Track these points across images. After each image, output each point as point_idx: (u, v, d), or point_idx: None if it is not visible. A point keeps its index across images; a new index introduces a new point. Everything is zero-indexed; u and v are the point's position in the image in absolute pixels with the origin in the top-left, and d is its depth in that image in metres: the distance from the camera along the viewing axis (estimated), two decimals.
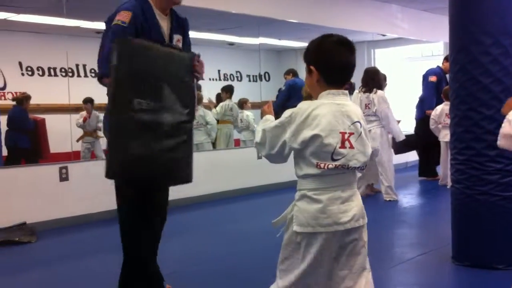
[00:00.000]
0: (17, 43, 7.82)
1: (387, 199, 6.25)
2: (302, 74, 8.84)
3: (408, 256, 3.97)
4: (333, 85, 2.11)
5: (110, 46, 2.76)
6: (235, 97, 8.74)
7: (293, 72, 8.46)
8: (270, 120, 2.21)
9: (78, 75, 8.76)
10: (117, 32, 2.81)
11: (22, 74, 8.15)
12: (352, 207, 2.12)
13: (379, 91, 6.23)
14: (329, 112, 2.05)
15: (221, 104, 8.41)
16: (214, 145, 7.79)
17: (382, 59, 11.00)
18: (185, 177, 2.84)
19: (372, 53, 10.83)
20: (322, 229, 2.06)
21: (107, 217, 5.29)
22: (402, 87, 10.07)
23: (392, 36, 10.07)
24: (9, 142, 6.86)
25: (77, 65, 8.68)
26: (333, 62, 2.11)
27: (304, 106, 2.08)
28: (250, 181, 7.10)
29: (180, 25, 3.13)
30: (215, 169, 6.72)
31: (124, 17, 2.84)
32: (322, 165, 2.04)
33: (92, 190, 5.32)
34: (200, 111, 7.31)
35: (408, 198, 6.82)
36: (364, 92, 6.31)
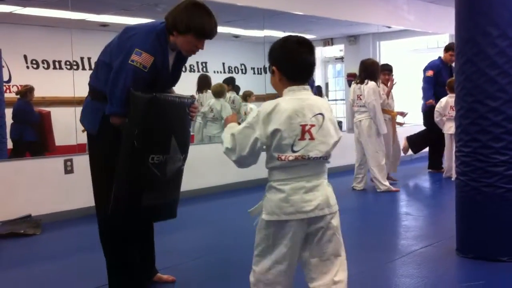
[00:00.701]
0: (22, 36, 7.82)
1: (378, 190, 6.28)
2: None
3: (412, 248, 3.97)
4: (295, 83, 2.24)
5: (127, 87, 2.78)
6: (239, 90, 8.73)
7: None
8: (234, 127, 2.29)
9: (83, 68, 8.75)
10: (136, 75, 2.79)
11: (27, 67, 8.16)
12: (316, 197, 2.21)
13: (371, 83, 6.23)
14: (290, 107, 2.17)
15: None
16: None
17: (388, 51, 10.96)
18: (174, 214, 3.13)
19: (378, 45, 10.79)
20: (286, 217, 2.18)
21: None
22: (408, 79, 10.03)
23: (398, 28, 10.02)
24: (14, 135, 6.88)
25: (82, 58, 8.67)
26: (294, 61, 2.25)
27: (267, 104, 2.20)
28: (258, 173, 7.08)
29: (182, 55, 3.12)
30: (223, 161, 6.69)
31: (146, 61, 2.81)
32: (283, 157, 2.16)
33: None
34: (218, 105, 7.27)
35: (413, 190, 6.81)
36: (357, 83, 6.37)
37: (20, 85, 7.84)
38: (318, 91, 11.48)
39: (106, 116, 2.89)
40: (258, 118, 2.19)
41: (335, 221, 2.30)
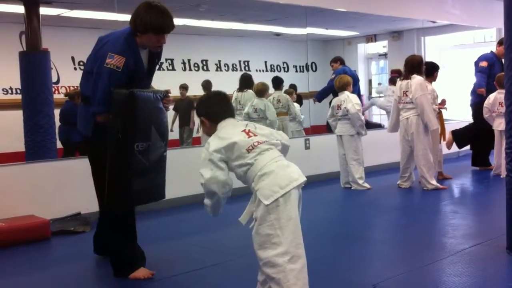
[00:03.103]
0: (70, 38, 8.02)
1: (425, 189, 6.17)
2: (349, 63, 8.79)
3: (461, 247, 3.89)
4: (222, 120, 2.77)
5: (105, 88, 3.23)
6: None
7: (340, 60, 8.34)
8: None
9: None
10: (112, 76, 3.24)
11: (75, 69, 8.37)
12: (294, 169, 2.66)
13: (418, 77, 6.11)
14: (227, 126, 2.73)
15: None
16: None
17: (432, 47, 10.77)
18: (163, 195, 3.53)
19: (422, 40, 10.61)
20: (283, 191, 2.53)
21: (157, 207, 5.40)
22: (453, 75, 9.84)
23: (443, 23, 9.83)
24: (62, 137, 7.03)
25: None
26: (215, 111, 2.81)
27: (212, 139, 2.71)
28: None
29: (158, 55, 3.59)
30: None
31: (118, 62, 3.24)
32: (250, 148, 2.61)
33: None
34: (261, 105, 7.28)
35: (461, 188, 6.68)
36: (402, 79, 6.29)
37: (68, 86, 8.04)
38: (392, 81, 11.35)
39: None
40: (208, 151, 2.64)
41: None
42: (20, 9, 6.01)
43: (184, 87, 8.99)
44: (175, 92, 9.04)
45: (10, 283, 3.62)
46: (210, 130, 2.82)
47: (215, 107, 2.84)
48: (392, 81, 11.32)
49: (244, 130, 2.69)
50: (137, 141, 3.23)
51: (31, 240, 4.47)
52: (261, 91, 7.39)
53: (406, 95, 6.16)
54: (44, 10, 6.23)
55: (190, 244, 4.26)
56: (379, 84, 12.18)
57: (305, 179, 2.65)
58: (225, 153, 2.62)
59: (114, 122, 3.23)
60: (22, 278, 3.69)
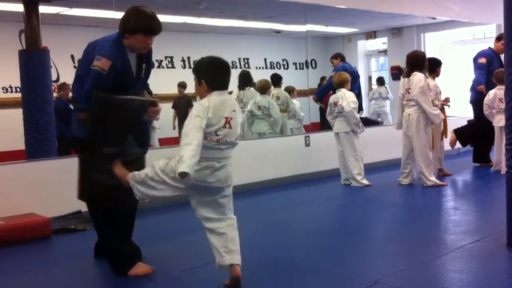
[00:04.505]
0: (69, 36, 8.00)
1: (424, 185, 6.17)
2: (348, 60, 8.77)
3: (462, 243, 3.89)
4: (218, 90, 3.04)
5: (89, 89, 3.35)
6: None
7: (341, 57, 8.31)
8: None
9: None
10: (98, 79, 3.36)
11: (75, 67, 8.35)
12: (219, 174, 3.02)
13: (419, 75, 6.10)
14: (217, 102, 2.98)
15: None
16: None
17: (432, 43, 10.75)
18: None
19: (422, 37, 10.59)
20: (193, 180, 2.91)
21: (155, 205, 5.41)
22: (453, 71, 9.83)
23: (443, 19, 9.81)
24: (57, 134, 6.99)
25: None
26: (217, 78, 3.07)
27: (201, 101, 3.01)
28: (298, 169, 7.10)
29: (145, 54, 3.62)
30: (262, 157, 6.75)
31: (105, 65, 3.35)
32: (209, 138, 2.93)
33: None
34: (265, 102, 7.27)
35: (461, 185, 6.68)
36: (404, 77, 6.28)
37: (68, 85, 8.03)
38: (379, 82, 11.38)
39: None
40: (198, 112, 2.92)
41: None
42: (19, 7, 6.00)
43: (182, 85, 8.98)
44: (174, 90, 9.05)
45: (11, 282, 3.62)
46: (203, 93, 3.07)
47: (217, 76, 3.08)
48: (379, 82, 11.39)
49: (226, 118, 2.99)
50: (107, 145, 3.34)
51: (32, 238, 4.47)
52: (264, 88, 7.38)
53: (409, 92, 6.16)
54: (43, 9, 6.22)
55: (191, 241, 4.25)
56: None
57: (224, 185, 3.06)
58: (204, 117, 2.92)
59: (89, 122, 3.41)
60: (23, 277, 3.70)
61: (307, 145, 7.30)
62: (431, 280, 3.23)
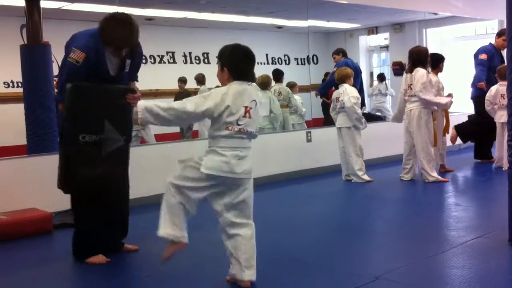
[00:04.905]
0: (71, 31, 7.95)
1: (426, 181, 6.16)
2: (350, 55, 8.75)
3: (463, 239, 3.89)
4: (238, 80, 3.00)
5: (64, 80, 3.50)
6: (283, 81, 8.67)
7: (343, 52, 8.30)
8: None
9: None
10: (71, 70, 3.49)
11: None
12: (244, 164, 2.99)
13: (421, 71, 6.10)
14: (237, 91, 2.95)
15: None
16: None
17: (434, 39, 10.72)
18: (121, 187, 3.73)
19: (424, 33, 10.57)
20: (222, 173, 2.93)
21: (155, 201, 5.40)
22: (455, 67, 9.81)
23: (445, 15, 9.79)
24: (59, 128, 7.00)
25: None
26: (239, 66, 3.03)
27: (221, 88, 2.97)
28: (299, 165, 7.10)
29: (130, 50, 3.70)
30: (264, 153, 6.74)
31: (78, 57, 3.48)
32: (230, 128, 2.92)
33: (141, 174, 5.43)
34: (266, 98, 7.27)
35: (463, 181, 6.68)
36: (407, 72, 6.28)
37: None
38: (380, 78, 11.35)
39: None
40: (210, 94, 2.93)
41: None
42: (21, 2, 5.99)
43: (182, 80, 8.97)
44: (176, 85, 9.04)
45: (12, 277, 3.62)
46: (224, 80, 3.04)
47: (239, 64, 3.04)
48: (380, 78, 11.38)
49: (246, 107, 2.96)
50: (82, 132, 3.46)
51: (33, 233, 4.48)
52: (266, 84, 7.36)
53: (411, 88, 6.15)
54: (44, 3, 6.21)
55: (192, 238, 4.23)
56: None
57: (248, 176, 3.05)
58: (213, 110, 2.91)
59: (64, 112, 3.53)
60: (24, 272, 3.70)
61: (309, 140, 7.30)
62: (432, 276, 3.23)
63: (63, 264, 3.80)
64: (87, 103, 3.48)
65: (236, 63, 3.03)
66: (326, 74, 10.06)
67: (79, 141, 3.46)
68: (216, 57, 3.10)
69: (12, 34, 7.31)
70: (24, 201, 4.84)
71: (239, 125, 2.94)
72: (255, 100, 3.03)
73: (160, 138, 7.64)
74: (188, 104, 2.91)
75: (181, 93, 8.94)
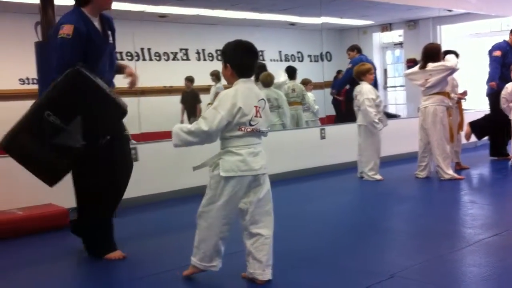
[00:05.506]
0: None
1: (442, 179, 6.11)
2: (364, 52, 8.72)
3: (479, 237, 3.86)
4: (243, 77, 3.01)
5: (58, 57, 3.40)
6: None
7: (357, 49, 8.25)
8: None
9: (144, 59, 8.94)
10: (63, 45, 3.38)
11: None
12: (260, 160, 3.02)
13: (433, 64, 6.07)
14: (244, 92, 2.96)
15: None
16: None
17: (448, 36, 10.66)
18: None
19: (438, 29, 10.50)
20: (241, 173, 2.95)
21: (176, 196, 5.43)
22: (470, 64, 9.73)
23: (459, 12, 9.72)
24: None
25: (142, 49, 8.85)
26: (242, 62, 3.03)
27: (229, 91, 2.98)
28: (313, 162, 7.09)
29: (108, 23, 3.68)
30: (278, 150, 6.73)
31: (67, 30, 3.38)
32: (243, 129, 2.93)
33: (161, 170, 5.46)
34: (274, 93, 7.27)
35: (479, 178, 6.63)
36: (420, 68, 6.24)
37: None
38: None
39: None
40: (220, 102, 2.92)
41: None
42: None
43: (189, 79, 8.96)
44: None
45: (30, 272, 3.65)
46: (228, 76, 3.07)
47: (242, 60, 3.04)
48: None
49: (256, 107, 2.98)
50: (52, 110, 3.32)
51: (50, 228, 4.51)
52: (270, 83, 7.32)
53: (427, 81, 6.13)
54: (58, 1, 6.25)
55: (178, 239, 4.18)
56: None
57: (265, 171, 3.06)
58: (228, 117, 2.91)
59: (50, 87, 3.42)
60: (41, 267, 3.73)
61: (323, 137, 7.28)
62: (448, 274, 3.21)
63: (78, 258, 3.82)
64: (78, 91, 3.36)
65: (239, 59, 3.04)
66: (338, 72, 10.03)
67: (44, 115, 3.33)
68: (220, 54, 3.11)
69: (27, 31, 7.36)
70: (40, 197, 4.86)
71: (251, 125, 2.96)
72: (263, 99, 3.05)
73: (167, 136, 7.68)
74: (203, 123, 2.92)
75: (188, 93, 8.94)
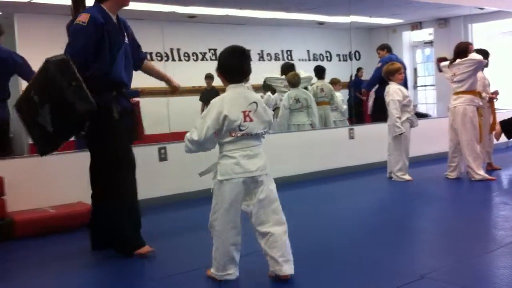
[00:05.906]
0: None
1: (472, 180, 6.03)
2: (394, 51, 8.64)
3: (511, 239, 3.79)
4: (234, 82, 3.08)
5: (71, 41, 3.55)
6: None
7: (387, 48, 8.17)
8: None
9: (173, 59, 9.01)
10: (77, 31, 3.50)
11: None
12: (257, 161, 3.05)
13: (461, 60, 6.03)
14: (232, 98, 3.03)
15: (311, 86, 8.30)
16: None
17: (480, 34, 10.49)
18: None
19: (469, 27, 10.34)
20: (235, 175, 3.01)
21: (202, 195, 5.44)
22: (502, 62, 9.58)
23: (491, 9, 9.56)
24: None
25: (171, 49, 8.92)
26: (230, 66, 3.10)
27: (215, 100, 3.06)
28: (342, 162, 7.06)
29: (124, 25, 3.80)
30: (306, 150, 6.73)
31: (83, 18, 3.50)
32: (233, 134, 3.00)
33: (188, 169, 5.49)
34: (303, 94, 7.26)
35: (510, 179, 6.51)
36: (449, 64, 6.19)
37: None
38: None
39: None
40: (208, 111, 3.02)
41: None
42: (67, 1, 6.13)
43: (209, 77, 8.88)
44: (218, 82, 9.06)
45: (61, 266, 3.71)
46: (223, 83, 3.14)
47: (229, 64, 3.09)
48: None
49: (244, 112, 3.01)
50: (34, 90, 3.44)
51: (79, 226, 4.57)
52: (297, 83, 7.28)
53: (455, 75, 6.09)
54: (90, 2, 6.34)
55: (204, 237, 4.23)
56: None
57: (264, 172, 3.06)
58: (215, 126, 2.99)
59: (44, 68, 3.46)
60: (72, 262, 3.80)
61: (351, 137, 7.25)
62: (479, 276, 3.16)
63: (106, 255, 3.85)
64: (63, 79, 3.37)
65: (227, 62, 3.10)
66: (358, 70, 9.97)
67: (30, 92, 3.47)
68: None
69: (59, 32, 7.48)
70: (70, 195, 4.96)
71: (241, 130, 3.01)
72: (255, 102, 3.06)
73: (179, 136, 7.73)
74: (194, 133, 3.03)
75: (209, 91, 8.83)
